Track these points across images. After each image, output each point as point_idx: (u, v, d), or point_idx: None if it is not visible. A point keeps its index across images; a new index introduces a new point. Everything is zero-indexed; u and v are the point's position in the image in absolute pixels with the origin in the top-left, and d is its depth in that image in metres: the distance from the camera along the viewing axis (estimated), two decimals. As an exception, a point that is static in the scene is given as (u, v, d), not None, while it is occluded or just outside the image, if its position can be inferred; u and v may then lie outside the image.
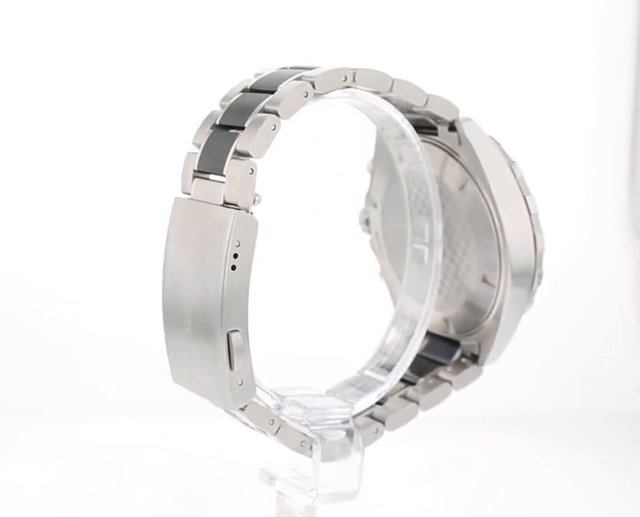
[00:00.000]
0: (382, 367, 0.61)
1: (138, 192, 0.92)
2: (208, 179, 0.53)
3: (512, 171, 0.59)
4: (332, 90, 0.53)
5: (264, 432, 0.56)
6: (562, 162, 0.98)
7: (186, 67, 0.92)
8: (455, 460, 0.78)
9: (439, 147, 0.60)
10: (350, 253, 0.85)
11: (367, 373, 0.61)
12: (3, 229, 0.92)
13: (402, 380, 0.62)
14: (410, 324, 0.61)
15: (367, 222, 0.67)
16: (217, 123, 0.54)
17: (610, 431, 0.87)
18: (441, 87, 0.59)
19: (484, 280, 0.60)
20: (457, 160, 0.59)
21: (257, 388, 0.55)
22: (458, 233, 0.61)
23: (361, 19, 0.94)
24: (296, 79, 0.53)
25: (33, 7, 0.90)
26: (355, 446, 0.57)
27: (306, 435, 0.56)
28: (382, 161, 0.64)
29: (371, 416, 0.60)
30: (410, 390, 0.62)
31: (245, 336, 0.51)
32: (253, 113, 0.52)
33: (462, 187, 0.59)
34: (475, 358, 0.62)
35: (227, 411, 0.54)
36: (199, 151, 0.54)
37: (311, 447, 0.56)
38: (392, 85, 0.55)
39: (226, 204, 0.51)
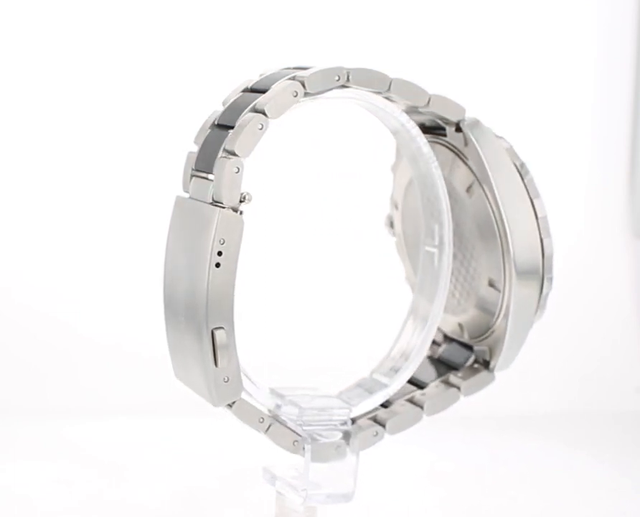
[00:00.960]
0: (390, 369, 0.60)
1: (138, 192, 0.92)
2: (203, 177, 0.53)
3: (520, 173, 0.58)
4: (325, 90, 0.53)
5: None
6: (562, 162, 0.97)
7: (192, 67, 0.92)
8: (455, 460, 0.78)
9: (448, 148, 0.60)
10: (372, 256, 0.86)
11: (375, 375, 0.61)
12: (3, 229, 0.92)
13: (413, 383, 0.61)
14: (421, 327, 0.61)
15: (392, 224, 0.66)
16: (216, 122, 0.54)
17: (610, 431, 0.87)
18: (442, 87, 0.59)
19: (490, 284, 0.59)
20: (464, 161, 0.59)
21: (255, 387, 0.55)
22: (466, 235, 0.60)
23: (373, 20, 0.94)
24: (289, 79, 0.53)
25: (38, 10, 0.91)
26: (351, 449, 0.56)
27: (299, 435, 0.56)
28: (402, 162, 0.63)
29: (374, 419, 0.59)
30: (417, 395, 0.61)
31: (230, 333, 0.52)
32: (244, 112, 0.53)
33: (468, 189, 0.59)
34: (487, 364, 0.61)
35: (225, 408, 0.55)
36: (197, 151, 0.55)
37: (303, 447, 0.56)
38: (391, 84, 0.54)
39: (214, 202, 0.52)
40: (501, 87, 0.95)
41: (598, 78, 0.98)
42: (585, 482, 0.74)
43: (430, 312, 0.60)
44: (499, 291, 0.58)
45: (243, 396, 0.55)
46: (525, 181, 0.58)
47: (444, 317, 0.62)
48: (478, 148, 0.57)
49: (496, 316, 0.59)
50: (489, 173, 0.57)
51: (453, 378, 0.61)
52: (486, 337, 0.61)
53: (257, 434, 0.56)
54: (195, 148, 0.55)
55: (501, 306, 0.59)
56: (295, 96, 0.52)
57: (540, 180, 0.59)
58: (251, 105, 0.53)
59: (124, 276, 0.92)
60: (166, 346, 0.56)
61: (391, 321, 0.64)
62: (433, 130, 0.60)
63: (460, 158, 0.59)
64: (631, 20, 0.97)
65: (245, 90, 0.55)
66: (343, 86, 0.54)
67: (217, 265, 0.51)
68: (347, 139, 0.92)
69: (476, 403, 0.62)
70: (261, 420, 0.55)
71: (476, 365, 0.61)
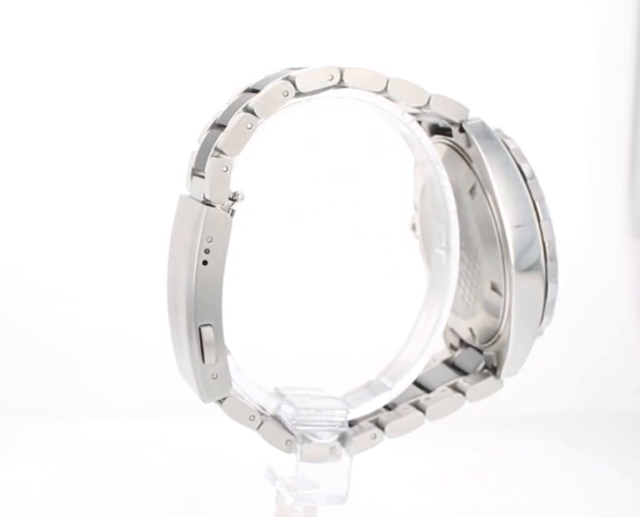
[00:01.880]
0: (396, 372, 0.60)
1: (139, 192, 0.92)
2: (200, 176, 0.54)
3: (523, 174, 0.57)
4: (318, 90, 0.53)
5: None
6: (562, 162, 0.97)
7: (198, 67, 0.92)
8: (455, 460, 0.78)
9: (454, 149, 0.59)
10: (376, 258, 0.86)
11: (382, 377, 0.60)
12: (3, 229, 0.92)
13: (422, 387, 0.61)
14: (428, 331, 0.60)
15: (414, 227, 0.66)
16: (216, 122, 0.55)
17: (610, 431, 0.87)
18: (444, 87, 0.58)
19: (493, 287, 0.58)
20: (467, 163, 0.58)
21: (253, 386, 0.56)
22: (471, 238, 0.59)
23: (380, 20, 0.94)
24: (282, 78, 0.53)
25: (41, 13, 0.91)
26: (346, 450, 0.56)
27: (292, 434, 0.56)
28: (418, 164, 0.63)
29: (375, 421, 0.59)
30: (422, 399, 0.60)
31: (218, 331, 0.52)
32: (237, 111, 0.53)
33: (471, 191, 0.58)
34: (495, 370, 0.60)
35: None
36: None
37: (296, 447, 0.56)
38: (387, 84, 0.54)
39: (205, 200, 0.53)
40: (501, 87, 0.95)
41: (598, 78, 0.98)
42: (585, 482, 0.74)
43: (435, 316, 0.59)
44: (501, 294, 0.58)
45: (244, 395, 0.55)
46: (529, 183, 0.57)
47: (458, 322, 0.62)
48: (480, 150, 0.57)
49: (500, 320, 0.59)
50: (490, 175, 0.56)
51: (460, 383, 0.60)
52: (494, 342, 0.60)
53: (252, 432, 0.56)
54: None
55: (504, 310, 0.58)
56: (286, 96, 0.52)
57: (540, 180, 0.59)
58: (244, 105, 0.53)
59: (124, 276, 0.92)
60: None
61: (400, 322, 0.63)
62: (443, 131, 0.59)
63: (464, 159, 0.58)
64: (631, 20, 0.97)
65: (247, 90, 0.55)
66: (339, 86, 0.54)
67: (205, 262, 0.52)
68: (349, 141, 0.92)
69: (475, 404, 0.62)
70: (252, 418, 0.56)
71: (485, 371, 0.60)
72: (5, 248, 0.92)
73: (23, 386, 0.89)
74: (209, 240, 0.52)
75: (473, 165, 0.58)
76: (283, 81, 0.53)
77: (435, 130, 0.60)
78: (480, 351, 0.61)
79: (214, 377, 0.53)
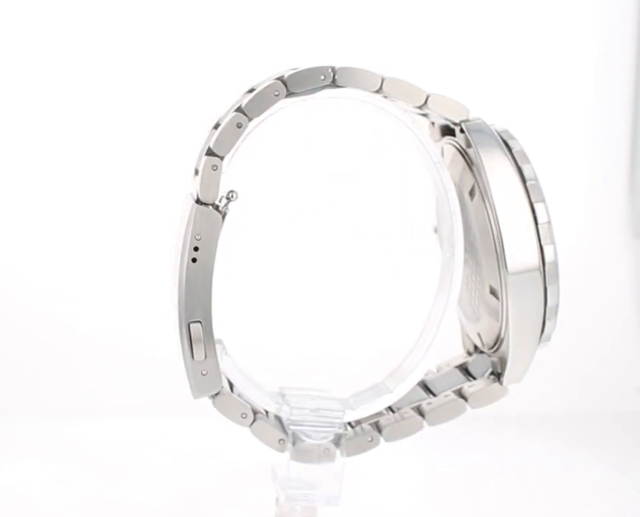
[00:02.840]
0: (401, 374, 0.59)
1: (140, 191, 0.92)
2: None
3: (522, 175, 0.56)
4: (311, 89, 0.53)
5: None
6: (562, 162, 0.97)
7: (205, 69, 0.92)
8: (455, 460, 0.78)
9: (457, 150, 0.58)
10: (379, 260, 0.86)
11: (388, 379, 0.60)
12: (3, 229, 0.92)
13: (429, 390, 0.60)
14: (431, 334, 0.59)
15: (436, 229, 0.65)
16: (217, 122, 0.55)
17: (610, 431, 0.87)
18: (444, 86, 0.58)
19: (492, 291, 0.58)
20: (468, 164, 0.58)
21: (252, 387, 0.56)
22: (472, 240, 0.59)
23: (381, 20, 0.94)
24: (276, 78, 0.53)
25: (46, 17, 0.91)
26: (340, 452, 0.56)
27: (286, 433, 0.56)
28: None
29: (375, 424, 0.59)
30: (424, 403, 0.59)
31: (208, 328, 0.53)
32: (231, 110, 0.54)
33: (471, 192, 0.57)
34: (499, 376, 0.59)
35: None
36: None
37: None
38: (382, 83, 0.54)
39: (198, 199, 0.53)
40: (501, 87, 0.95)
41: (598, 78, 0.98)
42: (585, 482, 0.74)
43: (440, 319, 0.58)
44: (499, 299, 0.57)
45: (243, 395, 0.56)
46: (527, 185, 0.56)
47: (469, 326, 0.61)
48: (477, 150, 0.56)
49: (500, 325, 0.58)
50: (486, 176, 0.56)
51: (465, 388, 0.60)
52: (498, 348, 0.59)
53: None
54: None
55: (502, 314, 0.57)
56: (277, 95, 0.53)
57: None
58: (238, 104, 0.54)
59: (124, 276, 0.92)
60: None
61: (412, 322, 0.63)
62: (452, 132, 0.59)
63: (465, 160, 0.58)
64: (631, 20, 0.97)
65: (249, 91, 0.55)
66: (334, 86, 0.54)
67: (194, 260, 0.53)
68: (351, 141, 0.92)
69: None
70: (244, 416, 0.56)
71: (491, 377, 0.60)
72: (5, 248, 0.92)
73: (23, 386, 0.89)
74: (198, 238, 0.53)
75: (473, 166, 0.57)
76: (275, 81, 0.53)
77: (446, 131, 0.59)
78: (490, 357, 0.60)
79: (204, 373, 0.54)
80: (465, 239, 0.58)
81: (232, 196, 0.53)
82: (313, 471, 0.56)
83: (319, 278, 0.93)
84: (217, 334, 0.56)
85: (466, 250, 0.58)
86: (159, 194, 0.88)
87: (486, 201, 0.56)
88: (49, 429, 0.81)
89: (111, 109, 0.91)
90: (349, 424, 0.59)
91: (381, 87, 0.54)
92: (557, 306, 0.57)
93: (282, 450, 0.57)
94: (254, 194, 0.57)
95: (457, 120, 0.57)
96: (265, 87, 0.53)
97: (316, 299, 0.93)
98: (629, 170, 0.99)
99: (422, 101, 0.55)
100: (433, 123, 0.59)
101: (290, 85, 0.53)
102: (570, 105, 0.98)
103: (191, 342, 0.53)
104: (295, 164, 0.92)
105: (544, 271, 0.55)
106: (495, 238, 0.56)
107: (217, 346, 0.56)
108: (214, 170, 0.53)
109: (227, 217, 0.55)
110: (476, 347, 0.62)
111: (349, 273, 0.93)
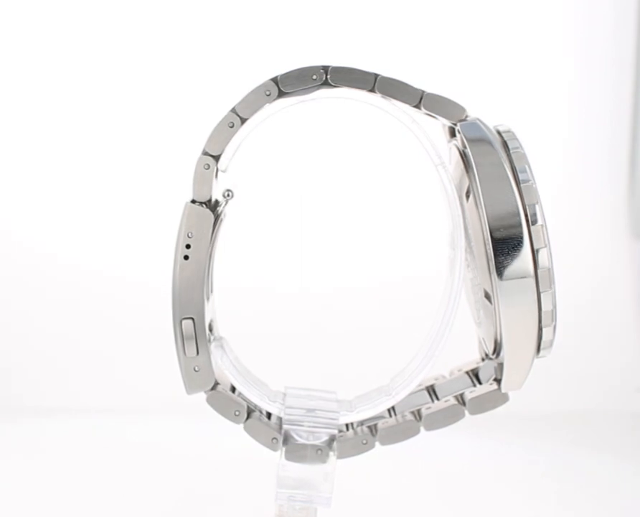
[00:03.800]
0: (404, 377, 0.58)
1: (141, 194, 0.92)
2: None
3: (516, 178, 0.54)
4: (303, 89, 0.54)
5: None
6: (562, 162, 0.98)
7: (214, 68, 0.92)
8: (455, 460, 0.78)
9: (458, 151, 0.57)
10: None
11: (391, 382, 0.59)
12: (3, 229, 0.92)
13: (435, 395, 0.59)
14: (432, 337, 0.58)
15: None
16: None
17: (610, 431, 0.87)
18: (445, 86, 0.58)
19: (486, 295, 0.56)
20: (465, 165, 0.56)
21: (252, 386, 0.56)
22: (470, 243, 0.57)
23: (380, 20, 0.94)
24: (271, 79, 0.54)
25: (54, 21, 0.91)
26: (333, 453, 0.56)
27: (279, 432, 0.56)
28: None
29: (373, 427, 0.58)
30: (424, 407, 0.59)
31: (200, 324, 0.54)
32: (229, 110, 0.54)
33: (467, 193, 0.56)
34: (499, 382, 0.58)
35: None
36: None
37: None
38: (375, 82, 0.54)
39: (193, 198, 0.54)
40: (500, 87, 0.95)
41: (598, 78, 0.98)
42: (585, 482, 0.74)
43: (441, 321, 0.57)
44: (491, 303, 0.55)
45: (242, 392, 0.56)
46: (521, 187, 0.53)
47: (478, 331, 0.60)
48: (470, 151, 0.54)
49: (495, 330, 0.56)
50: (477, 177, 0.54)
51: (466, 393, 0.59)
52: (498, 353, 0.57)
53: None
54: None
55: (496, 320, 0.55)
56: (268, 95, 0.53)
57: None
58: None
59: (124, 276, 0.92)
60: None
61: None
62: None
63: (463, 161, 0.56)
64: (631, 20, 0.97)
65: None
66: (327, 86, 0.54)
67: (186, 257, 0.53)
68: (352, 142, 0.92)
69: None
70: (237, 413, 0.57)
71: (493, 383, 0.58)
72: (5, 248, 0.92)
73: (23, 386, 0.89)
74: (190, 236, 0.53)
75: (469, 167, 0.56)
76: (267, 81, 0.53)
77: (452, 132, 0.58)
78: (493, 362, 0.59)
79: (196, 370, 0.55)
80: (466, 240, 0.57)
81: (229, 195, 0.54)
82: (306, 471, 0.56)
83: (329, 281, 0.94)
84: (224, 332, 0.57)
85: (467, 252, 0.57)
86: (161, 195, 0.88)
87: (478, 203, 0.54)
88: (49, 429, 0.81)
89: (118, 111, 0.92)
90: (350, 425, 0.58)
91: (374, 87, 0.54)
92: (552, 311, 0.54)
93: (275, 449, 0.57)
94: (254, 194, 0.57)
95: (453, 120, 0.56)
96: (257, 87, 0.53)
97: (333, 300, 0.93)
98: (629, 170, 0.99)
99: (417, 101, 0.55)
100: (444, 124, 0.58)
101: (282, 85, 0.53)
102: (571, 106, 0.98)
103: (182, 338, 0.54)
104: (296, 164, 0.92)
105: (537, 276, 0.53)
106: (486, 241, 0.54)
107: (216, 344, 0.56)
108: (207, 169, 0.54)
109: (226, 216, 0.56)
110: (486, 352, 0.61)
111: (350, 274, 0.94)
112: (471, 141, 0.55)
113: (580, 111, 0.98)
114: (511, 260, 0.53)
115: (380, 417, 0.58)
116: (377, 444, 0.58)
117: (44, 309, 0.91)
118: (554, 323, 0.54)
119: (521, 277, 0.53)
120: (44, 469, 0.73)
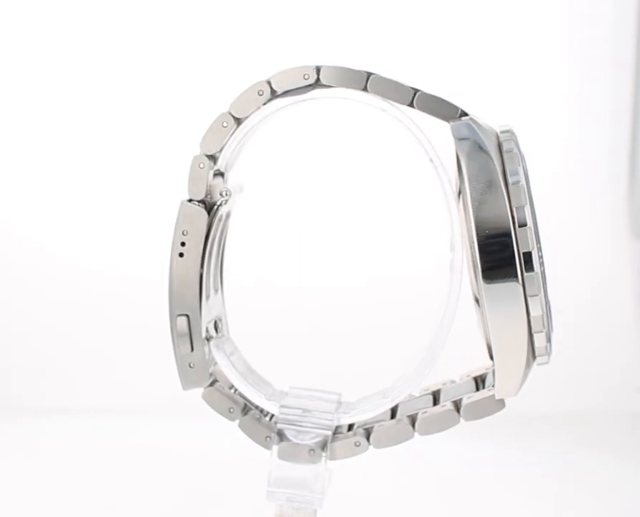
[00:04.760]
0: (403, 380, 0.58)
1: (141, 193, 0.92)
2: None
3: (506, 179, 0.52)
4: (295, 89, 0.54)
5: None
6: (562, 162, 0.98)
7: (213, 70, 0.92)
8: (455, 460, 0.78)
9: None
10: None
11: (392, 385, 0.58)
12: (3, 229, 0.92)
13: (437, 398, 0.59)
14: (430, 340, 0.57)
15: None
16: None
17: (610, 431, 0.87)
18: (440, 86, 0.58)
19: (475, 299, 0.55)
20: (458, 164, 0.55)
21: (251, 387, 0.56)
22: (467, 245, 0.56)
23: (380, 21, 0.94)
24: (266, 80, 0.54)
25: (54, 21, 0.91)
26: (325, 454, 0.56)
27: (272, 431, 0.56)
28: None
29: (369, 429, 0.58)
30: (420, 412, 0.57)
31: (195, 322, 0.54)
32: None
33: (459, 193, 0.55)
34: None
35: None
36: None
37: None
38: (367, 81, 0.53)
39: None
40: (500, 87, 0.95)
41: (598, 78, 0.98)
42: (585, 482, 0.74)
43: (439, 324, 0.56)
44: (479, 307, 0.54)
45: (242, 391, 0.56)
46: (510, 189, 0.52)
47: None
48: (458, 152, 0.53)
49: (486, 335, 0.55)
50: (464, 177, 0.53)
51: (464, 399, 0.57)
52: (493, 358, 0.55)
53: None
54: None
55: (485, 325, 0.54)
56: (261, 95, 0.54)
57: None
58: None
59: (124, 275, 0.92)
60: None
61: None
62: None
63: (458, 161, 0.55)
64: (631, 20, 0.97)
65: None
66: (321, 86, 0.54)
67: (181, 255, 0.54)
68: (353, 143, 0.92)
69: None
70: (231, 410, 0.57)
71: (492, 389, 0.57)
72: (5, 248, 0.92)
73: (23, 386, 0.89)
74: (185, 234, 0.54)
75: (459, 167, 0.55)
76: (260, 81, 0.54)
77: None
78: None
79: (192, 366, 0.55)
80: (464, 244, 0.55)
81: (226, 194, 0.54)
82: (298, 471, 0.56)
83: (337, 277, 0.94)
84: (233, 331, 0.58)
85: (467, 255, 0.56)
86: (160, 195, 0.88)
87: (465, 204, 0.53)
88: (49, 429, 0.82)
89: (124, 109, 0.92)
90: (349, 427, 0.58)
91: (366, 86, 0.54)
92: (541, 316, 0.52)
93: (268, 447, 0.57)
94: (255, 194, 0.57)
95: (445, 120, 0.54)
96: (249, 87, 0.54)
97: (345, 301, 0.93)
98: (629, 170, 0.99)
99: (409, 99, 0.54)
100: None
101: (275, 85, 0.54)
102: (571, 106, 0.98)
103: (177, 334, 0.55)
104: (296, 164, 0.92)
105: (523, 280, 0.52)
106: (471, 243, 0.52)
107: (215, 342, 0.56)
108: (201, 168, 0.54)
109: (230, 215, 0.57)
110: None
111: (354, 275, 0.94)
112: (459, 140, 0.53)
113: (580, 111, 0.98)
114: (496, 263, 0.52)
115: (379, 420, 0.58)
116: (371, 447, 0.57)
117: (44, 309, 0.91)
118: (545, 330, 0.53)
119: (506, 281, 0.51)
120: (44, 469, 0.73)
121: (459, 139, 0.53)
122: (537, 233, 0.53)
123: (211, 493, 0.69)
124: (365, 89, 0.54)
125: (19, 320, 0.91)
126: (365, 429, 0.58)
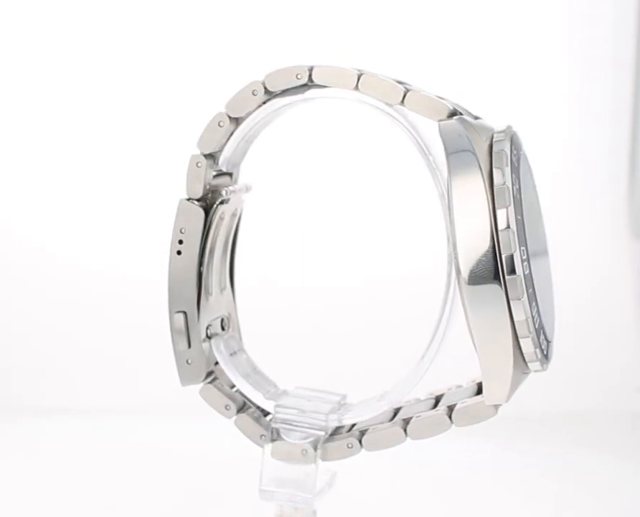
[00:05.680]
0: (402, 385, 0.57)
1: (141, 193, 0.92)
2: None
3: (491, 180, 0.50)
4: (289, 89, 0.54)
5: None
6: (562, 162, 0.98)
7: (212, 69, 0.92)
8: (455, 460, 0.78)
9: None
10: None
11: (392, 388, 0.57)
12: (3, 229, 0.92)
13: (437, 402, 0.57)
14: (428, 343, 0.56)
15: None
16: None
17: (610, 431, 0.87)
18: (440, 86, 0.58)
19: (462, 303, 0.52)
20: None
21: (249, 387, 0.56)
22: None
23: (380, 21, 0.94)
24: (260, 80, 0.54)
25: (53, 21, 0.91)
26: (317, 455, 0.56)
27: (266, 429, 0.57)
28: None
29: (363, 431, 0.57)
30: (415, 416, 0.56)
31: (192, 318, 0.55)
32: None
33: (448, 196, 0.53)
34: None
35: None
36: None
37: None
38: (358, 80, 0.53)
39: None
40: (500, 87, 0.95)
41: (598, 78, 0.98)
42: (586, 482, 0.74)
43: (436, 327, 0.55)
44: (465, 311, 0.52)
45: (241, 389, 0.56)
46: (495, 190, 0.50)
47: None
48: (445, 152, 0.52)
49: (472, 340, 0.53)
50: (449, 177, 0.51)
51: (458, 404, 0.56)
52: None
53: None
54: None
55: (469, 329, 0.52)
56: (255, 95, 0.54)
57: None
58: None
59: (125, 275, 0.92)
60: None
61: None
62: None
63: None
64: (631, 20, 0.97)
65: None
66: (314, 85, 0.54)
67: (178, 252, 0.55)
68: (354, 143, 0.92)
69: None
70: (227, 407, 0.57)
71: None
72: (6, 248, 0.92)
73: (23, 386, 0.89)
74: (182, 232, 0.55)
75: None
76: (254, 81, 0.54)
77: None
78: None
79: (189, 362, 0.56)
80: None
81: (225, 193, 0.55)
82: (290, 470, 0.56)
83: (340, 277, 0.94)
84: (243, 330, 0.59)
85: None
86: (159, 195, 0.88)
87: (450, 204, 0.51)
88: (49, 429, 0.82)
89: (123, 109, 0.92)
90: (346, 428, 0.58)
91: (357, 85, 0.53)
92: (525, 320, 0.50)
93: (262, 445, 0.57)
94: (255, 193, 0.58)
95: (435, 120, 0.53)
96: (244, 87, 0.54)
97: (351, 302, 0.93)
98: (629, 170, 0.99)
99: (400, 99, 0.53)
100: None
101: (268, 84, 0.54)
102: (571, 106, 0.98)
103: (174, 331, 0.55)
104: (297, 163, 0.92)
105: (504, 283, 0.50)
106: (453, 245, 0.51)
107: (216, 339, 0.56)
108: (198, 167, 0.55)
109: (232, 215, 0.57)
110: None
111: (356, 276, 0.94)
112: (446, 140, 0.52)
113: (580, 111, 0.98)
114: (476, 265, 0.50)
115: (377, 423, 0.57)
116: (363, 450, 0.57)
117: (44, 309, 0.92)
118: (532, 335, 0.51)
119: (485, 283, 0.50)
120: (44, 469, 0.73)
121: (446, 139, 0.52)
122: (524, 235, 0.51)
123: (211, 493, 0.69)
124: (357, 88, 0.53)
125: (19, 320, 0.91)
126: (360, 431, 0.57)
